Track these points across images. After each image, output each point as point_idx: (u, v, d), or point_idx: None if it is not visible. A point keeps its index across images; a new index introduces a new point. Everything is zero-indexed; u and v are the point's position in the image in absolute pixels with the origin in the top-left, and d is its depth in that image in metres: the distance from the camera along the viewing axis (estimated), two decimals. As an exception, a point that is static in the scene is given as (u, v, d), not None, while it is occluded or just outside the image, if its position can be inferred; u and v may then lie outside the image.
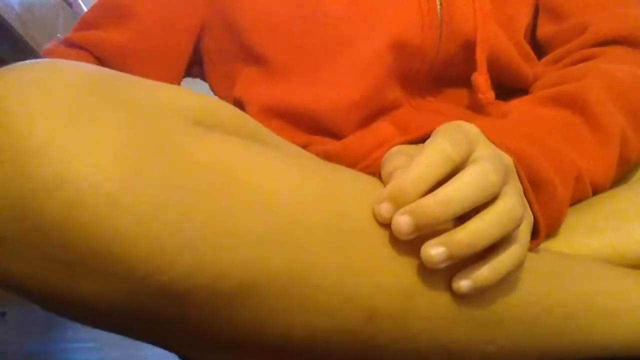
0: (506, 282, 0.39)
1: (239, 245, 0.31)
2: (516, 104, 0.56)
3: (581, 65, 0.58)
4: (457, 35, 0.58)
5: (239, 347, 0.35)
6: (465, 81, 0.60)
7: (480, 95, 0.58)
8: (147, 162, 0.30)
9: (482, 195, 0.35)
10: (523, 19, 0.64)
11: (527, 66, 0.62)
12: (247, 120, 0.38)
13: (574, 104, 0.52)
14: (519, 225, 0.37)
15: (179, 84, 0.68)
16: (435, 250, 0.34)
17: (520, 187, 0.40)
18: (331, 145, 0.57)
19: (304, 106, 0.58)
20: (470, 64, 0.58)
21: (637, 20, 0.61)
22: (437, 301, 0.37)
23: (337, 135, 0.58)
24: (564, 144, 0.49)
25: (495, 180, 0.35)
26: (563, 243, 0.48)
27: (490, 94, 0.58)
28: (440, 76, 0.60)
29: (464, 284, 0.36)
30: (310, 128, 0.58)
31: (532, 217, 0.42)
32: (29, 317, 1.32)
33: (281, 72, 0.60)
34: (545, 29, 0.65)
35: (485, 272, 0.36)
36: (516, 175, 0.41)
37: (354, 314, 0.34)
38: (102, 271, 0.29)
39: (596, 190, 0.51)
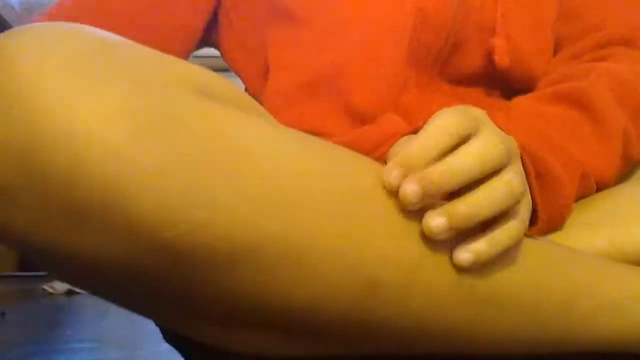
0: (508, 262, 0.39)
1: (240, 206, 0.31)
2: (518, 102, 0.56)
3: (585, 64, 0.58)
4: (472, 16, 0.57)
5: (239, 319, 0.36)
6: (474, 82, 0.60)
7: (497, 58, 0.57)
8: (155, 119, 0.30)
9: (488, 166, 0.35)
10: (551, 7, 0.64)
11: (543, 67, 0.62)
12: (244, 97, 0.39)
13: (577, 101, 0.52)
14: (518, 201, 0.37)
15: (190, 51, 0.66)
16: (435, 221, 0.35)
17: (522, 170, 0.41)
18: (339, 138, 0.57)
19: (331, 70, 0.57)
20: (483, 61, 0.58)
21: None
22: (439, 277, 0.37)
23: (357, 111, 0.57)
24: (568, 141, 0.49)
25: (500, 150, 0.36)
26: (561, 238, 0.48)
27: (507, 58, 0.57)
28: (451, 67, 0.60)
29: (463, 256, 0.36)
30: (333, 101, 0.58)
31: (531, 201, 0.42)
32: (29, 317, 1.32)
33: (309, 32, 0.59)
34: (558, 28, 0.65)
35: (485, 246, 0.36)
36: (519, 159, 0.41)
37: (355, 283, 0.35)
38: (106, 224, 0.30)
39: (600, 187, 0.51)
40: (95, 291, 0.36)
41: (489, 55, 0.58)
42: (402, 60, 0.57)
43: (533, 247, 0.42)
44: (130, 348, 0.78)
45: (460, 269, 0.37)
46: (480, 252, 0.36)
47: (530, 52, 0.60)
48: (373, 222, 0.35)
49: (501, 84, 0.60)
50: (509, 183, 0.36)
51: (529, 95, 0.56)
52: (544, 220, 0.44)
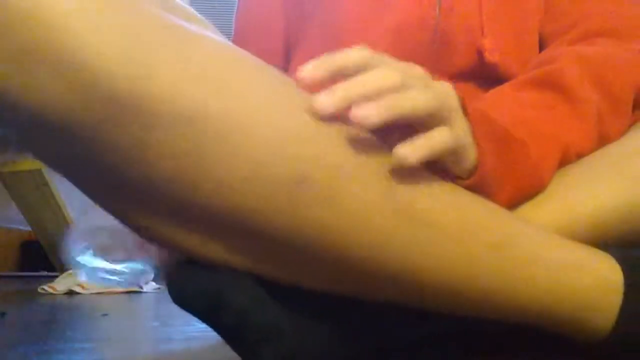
0: (432, 185, 0.42)
1: (173, 68, 0.35)
2: (494, 91, 0.58)
3: (556, 50, 0.61)
4: (458, 20, 0.61)
5: (167, 205, 0.38)
6: (466, 79, 0.62)
7: (487, 54, 0.61)
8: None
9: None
10: (534, 8, 0.66)
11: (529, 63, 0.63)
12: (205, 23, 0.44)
13: (550, 84, 0.54)
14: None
15: None
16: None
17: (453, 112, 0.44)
18: None
19: None
20: (473, 59, 0.61)
21: (626, 15, 0.63)
22: (364, 183, 0.40)
23: None
24: (543, 120, 0.51)
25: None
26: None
27: (497, 54, 0.61)
28: (443, 65, 0.62)
29: (402, 151, 0.39)
30: None
31: (466, 124, 0.44)
32: (28, 317, 1.32)
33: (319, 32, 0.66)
34: (542, 27, 0.67)
35: (420, 141, 0.40)
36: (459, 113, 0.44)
37: (284, 172, 0.38)
38: (58, 66, 0.33)
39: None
40: (34, 146, 0.40)
41: (479, 53, 0.62)
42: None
43: (463, 190, 0.45)
44: (130, 348, 0.78)
45: (402, 164, 0.40)
46: (416, 146, 0.40)
47: (516, 50, 0.63)
48: (299, 120, 0.39)
49: (491, 81, 0.62)
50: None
51: (505, 84, 0.58)
52: (511, 186, 0.46)
